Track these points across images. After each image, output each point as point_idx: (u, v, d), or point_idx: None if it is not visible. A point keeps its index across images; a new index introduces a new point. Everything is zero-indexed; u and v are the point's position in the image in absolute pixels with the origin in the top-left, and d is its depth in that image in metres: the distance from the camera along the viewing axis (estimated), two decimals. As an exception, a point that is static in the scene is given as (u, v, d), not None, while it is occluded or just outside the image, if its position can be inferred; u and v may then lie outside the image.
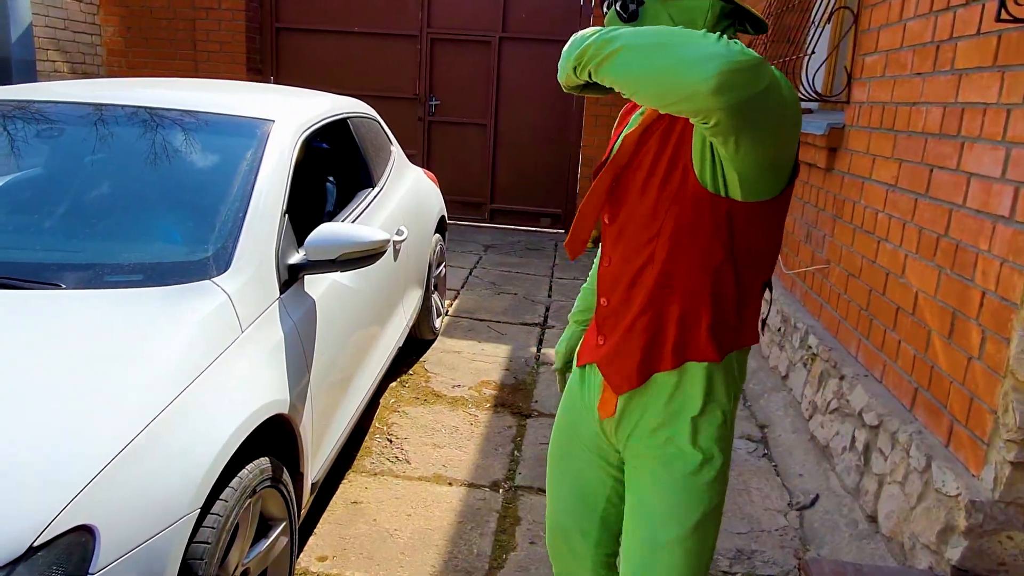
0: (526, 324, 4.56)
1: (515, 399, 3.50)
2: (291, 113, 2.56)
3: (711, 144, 1.13)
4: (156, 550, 1.33)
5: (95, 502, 1.26)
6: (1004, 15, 1.90)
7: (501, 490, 2.76)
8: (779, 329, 3.84)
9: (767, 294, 1.36)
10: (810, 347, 3.31)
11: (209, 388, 1.60)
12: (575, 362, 1.48)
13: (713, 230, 1.19)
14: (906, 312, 2.50)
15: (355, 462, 2.85)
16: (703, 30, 1.09)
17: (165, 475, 1.41)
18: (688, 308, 1.24)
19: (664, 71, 1.00)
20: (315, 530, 2.43)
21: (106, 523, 1.26)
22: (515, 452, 3.04)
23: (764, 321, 1.40)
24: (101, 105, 2.41)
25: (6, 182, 2.28)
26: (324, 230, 2.17)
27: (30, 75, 5.68)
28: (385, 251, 2.26)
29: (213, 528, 1.50)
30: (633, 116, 1.33)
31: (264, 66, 7.44)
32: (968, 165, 2.18)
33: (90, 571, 1.22)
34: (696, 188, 1.17)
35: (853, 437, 2.70)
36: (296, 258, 2.14)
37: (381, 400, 3.37)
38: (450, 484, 2.77)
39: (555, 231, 7.36)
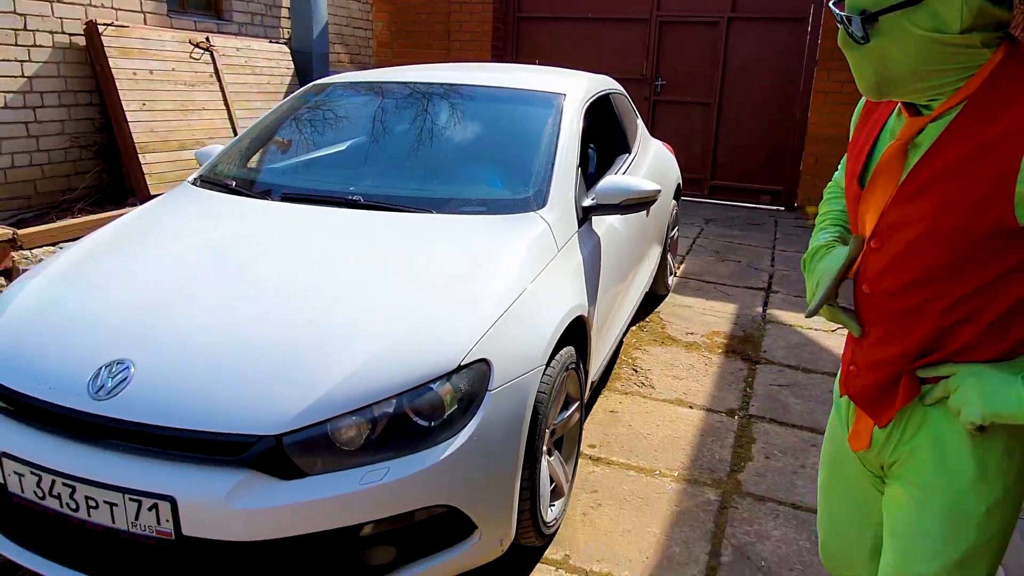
0: (751, 288, 4.87)
1: (744, 348, 3.87)
2: (575, 88, 3.12)
3: None
4: (523, 385, 1.92)
5: (490, 346, 1.86)
6: None
7: (736, 416, 3.16)
8: None
9: None
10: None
11: (543, 286, 2.18)
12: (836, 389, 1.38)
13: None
14: None
15: (608, 383, 3.39)
16: (957, 30, 1.01)
17: (525, 338, 1.99)
18: (978, 351, 1.13)
19: None
20: (583, 427, 2.99)
21: (496, 360, 1.86)
22: (747, 389, 3.41)
23: None
24: (439, 84, 3.11)
25: (381, 141, 3.04)
26: (610, 180, 2.69)
27: (324, 66, 6.82)
28: (656, 200, 2.73)
29: (548, 383, 2.07)
30: (888, 122, 1.20)
31: (505, 52, 8.23)
32: None
33: (488, 388, 1.83)
34: (1016, 227, 1.04)
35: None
36: (588, 202, 2.68)
37: (625, 339, 3.88)
38: (690, 407, 3.22)
39: (775, 208, 7.47)
